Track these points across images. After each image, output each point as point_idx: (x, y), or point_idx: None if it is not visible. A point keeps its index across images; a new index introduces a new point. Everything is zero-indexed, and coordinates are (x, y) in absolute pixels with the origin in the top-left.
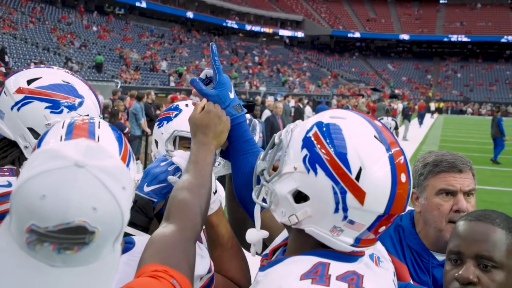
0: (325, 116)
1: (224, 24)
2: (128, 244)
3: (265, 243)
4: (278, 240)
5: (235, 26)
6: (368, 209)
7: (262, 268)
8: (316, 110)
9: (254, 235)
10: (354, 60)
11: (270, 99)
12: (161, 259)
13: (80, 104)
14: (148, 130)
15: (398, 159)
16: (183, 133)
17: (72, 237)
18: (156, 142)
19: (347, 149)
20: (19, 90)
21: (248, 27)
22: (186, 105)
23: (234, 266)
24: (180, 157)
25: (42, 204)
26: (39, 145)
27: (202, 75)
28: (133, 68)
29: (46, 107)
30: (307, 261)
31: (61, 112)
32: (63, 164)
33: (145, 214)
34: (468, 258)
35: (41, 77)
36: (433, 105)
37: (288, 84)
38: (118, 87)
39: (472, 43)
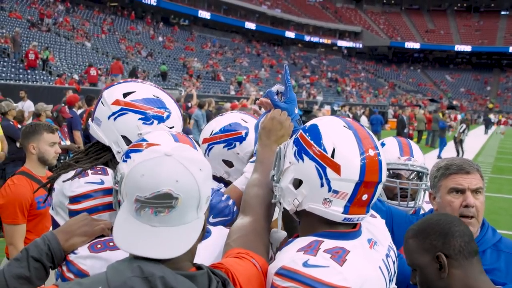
0: (308, 123)
1: (284, 35)
2: (206, 233)
3: None
4: None
5: (294, 36)
6: (345, 177)
7: (281, 247)
8: (370, 120)
9: (276, 235)
10: (411, 71)
11: (327, 108)
12: (243, 244)
13: (168, 117)
14: None
15: (365, 138)
16: None
17: (163, 202)
18: (228, 162)
19: (322, 136)
20: (116, 102)
21: (307, 38)
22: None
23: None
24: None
25: (141, 180)
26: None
27: (274, 89)
28: (196, 77)
29: (139, 119)
30: (306, 240)
31: (151, 123)
32: (157, 155)
33: None
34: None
35: (135, 91)
36: (493, 117)
37: (345, 94)
38: (182, 94)
39: None
